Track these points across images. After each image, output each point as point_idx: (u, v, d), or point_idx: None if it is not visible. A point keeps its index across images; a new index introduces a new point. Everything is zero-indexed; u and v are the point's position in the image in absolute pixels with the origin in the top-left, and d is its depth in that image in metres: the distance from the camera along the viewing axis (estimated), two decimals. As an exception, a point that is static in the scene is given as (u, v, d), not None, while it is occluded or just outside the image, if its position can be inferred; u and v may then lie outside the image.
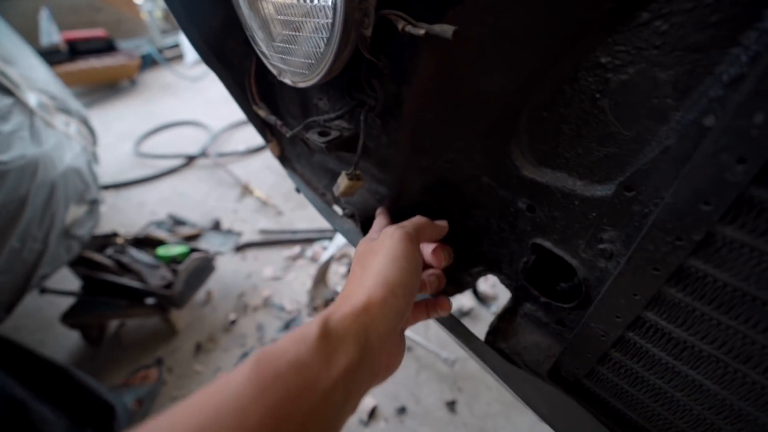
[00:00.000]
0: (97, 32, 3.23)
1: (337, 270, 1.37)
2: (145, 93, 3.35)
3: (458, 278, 0.49)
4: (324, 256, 1.16)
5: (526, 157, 0.34)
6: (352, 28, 0.27)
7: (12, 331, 1.29)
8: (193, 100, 3.07)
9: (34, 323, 1.33)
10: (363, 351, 0.26)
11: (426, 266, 0.40)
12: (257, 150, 2.19)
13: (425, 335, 1.18)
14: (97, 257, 1.19)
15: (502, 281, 0.43)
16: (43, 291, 1.20)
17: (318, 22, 0.29)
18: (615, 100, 0.26)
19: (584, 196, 0.30)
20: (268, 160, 2.12)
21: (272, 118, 0.44)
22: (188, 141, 2.40)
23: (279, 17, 0.32)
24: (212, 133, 2.38)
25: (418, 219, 0.37)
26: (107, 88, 3.40)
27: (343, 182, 0.37)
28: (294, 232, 1.53)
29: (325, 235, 1.49)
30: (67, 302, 1.18)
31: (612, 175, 0.28)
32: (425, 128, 0.34)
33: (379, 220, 0.42)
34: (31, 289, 0.99)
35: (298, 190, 0.56)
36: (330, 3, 0.26)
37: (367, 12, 0.27)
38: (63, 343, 1.24)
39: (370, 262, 0.32)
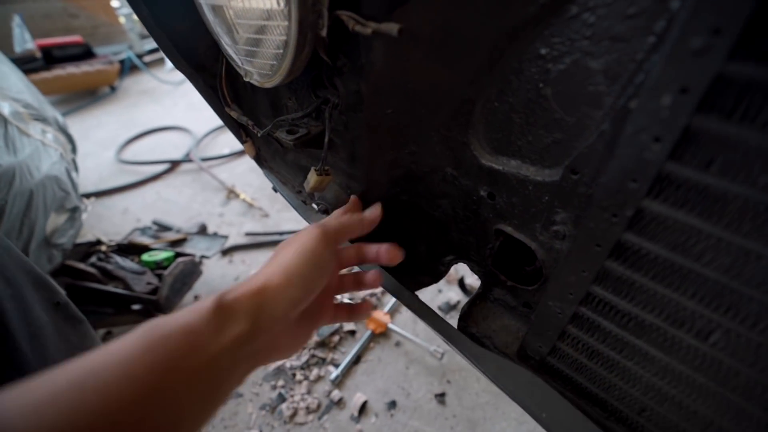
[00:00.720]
0: (73, 38, 3.17)
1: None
2: (125, 99, 3.30)
3: (432, 268, 0.51)
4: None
5: (483, 146, 0.35)
6: (308, 29, 0.28)
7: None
8: (176, 105, 3.04)
9: (18, 336, 1.31)
10: (253, 327, 0.28)
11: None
12: (242, 153, 2.18)
13: (413, 330, 1.19)
14: (81, 266, 1.18)
15: (472, 268, 0.45)
16: (26, 303, 1.18)
17: (275, 25, 0.30)
18: (556, 88, 0.28)
19: (537, 181, 0.32)
20: (253, 163, 2.11)
21: (244, 119, 0.45)
22: (171, 146, 2.38)
23: (240, 21, 0.33)
24: (196, 137, 2.36)
25: (346, 218, 0.39)
26: (87, 95, 3.34)
27: (312, 178, 0.38)
28: (281, 233, 1.54)
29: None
30: (50, 313, 1.17)
31: (559, 160, 0.30)
32: (386, 122, 0.35)
33: (340, 209, 0.43)
34: (12, 301, 0.98)
35: (275, 189, 0.57)
36: (284, 6, 0.28)
37: (320, 14, 0.28)
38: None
39: (282, 252, 0.34)
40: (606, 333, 0.30)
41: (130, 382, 0.22)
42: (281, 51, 0.31)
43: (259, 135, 0.44)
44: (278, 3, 0.29)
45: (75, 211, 1.08)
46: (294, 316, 0.33)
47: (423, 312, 0.43)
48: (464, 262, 0.46)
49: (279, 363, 1.13)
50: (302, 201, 0.53)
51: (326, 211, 0.48)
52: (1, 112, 0.92)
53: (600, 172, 0.26)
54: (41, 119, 1.08)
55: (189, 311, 0.26)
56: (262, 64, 0.34)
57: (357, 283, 0.43)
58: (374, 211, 0.41)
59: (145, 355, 0.23)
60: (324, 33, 0.29)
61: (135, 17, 3.72)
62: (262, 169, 0.57)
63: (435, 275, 0.51)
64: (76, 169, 1.21)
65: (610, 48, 0.24)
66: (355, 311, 0.43)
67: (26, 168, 0.90)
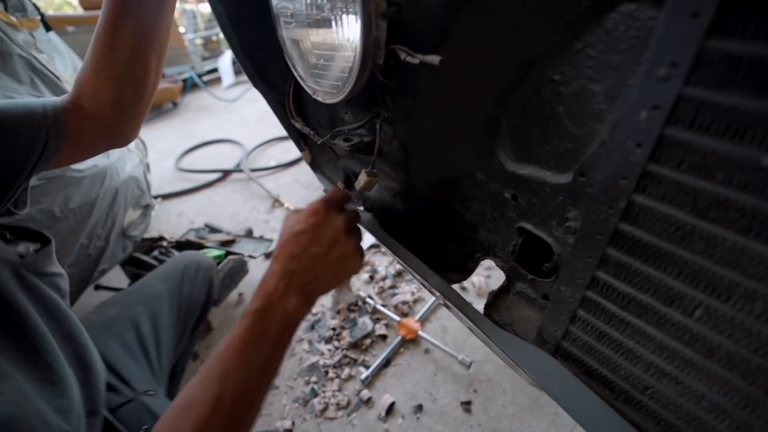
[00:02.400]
0: (147, 61, 3.56)
1: (360, 276, 1.45)
2: (185, 114, 3.64)
3: (462, 265, 0.57)
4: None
5: (507, 154, 0.42)
6: (369, 58, 0.37)
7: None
8: (229, 119, 3.32)
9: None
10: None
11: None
12: (287, 165, 2.34)
13: (443, 339, 1.23)
14: (145, 258, 1.33)
15: (497, 264, 0.50)
16: (98, 287, 1.35)
17: (344, 55, 0.39)
18: (567, 107, 0.34)
19: (552, 184, 0.38)
20: (298, 175, 2.26)
21: (306, 129, 0.55)
22: (224, 157, 2.60)
23: (315, 51, 0.42)
24: (246, 149, 2.57)
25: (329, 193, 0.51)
26: (152, 109, 3.72)
27: (362, 179, 0.46)
28: (319, 239, 1.64)
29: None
30: (117, 298, 1.32)
31: (571, 165, 0.36)
32: (426, 133, 0.43)
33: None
34: (92, 283, 1.13)
35: (326, 191, 0.66)
36: (352, 41, 0.36)
37: (379, 46, 0.36)
38: (112, 336, 1.37)
39: (281, 243, 0.49)
40: (610, 314, 0.35)
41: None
42: (346, 75, 0.40)
43: (318, 142, 0.53)
44: (347, 38, 0.38)
45: (147, 208, 1.24)
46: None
47: (450, 294, 0.49)
48: (490, 259, 0.52)
49: (314, 360, 1.20)
50: (351, 203, 0.61)
51: (371, 209, 0.56)
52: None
53: (600, 173, 0.32)
54: (126, 129, 1.26)
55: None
56: (328, 84, 0.43)
57: None
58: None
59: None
60: (381, 61, 0.37)
61: (197, 41, 4.09)
62: (315, 173, 0.67)
63: (465, 271, 0.57)
64: (149, 171, 1.38)
65: (608, 74, 0.30)
66: None
67: (115, 169, 1.07)
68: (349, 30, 0.36)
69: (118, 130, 0.58)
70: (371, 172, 0.46)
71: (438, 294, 0.52)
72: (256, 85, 0.58)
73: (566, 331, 0.40)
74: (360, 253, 0.49)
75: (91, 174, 0.95)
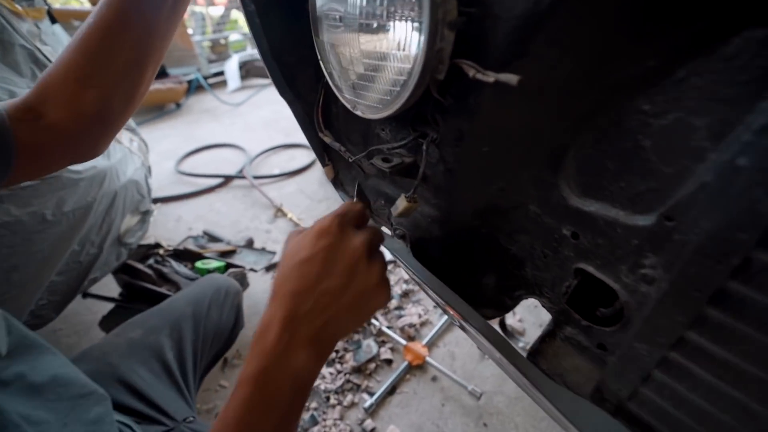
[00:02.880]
0: (152, 61, 3.53)
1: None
2: (188, 116, 3.60)
3: (498, 301, 0.52)
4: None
5: (572, 188, 0.37)
6: (428, 72, 0.33)
7: (48, 333, 1.36)
8: (233, 124, 3.28)
9: (71, 327, 1.39)
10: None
11: None
12: (292, 174, 2.30)
13: (451, 366, 1.17)
14: (139, 266, 1.26)
15: (544, 305, 0.46)
16: (86, 295, 1.28)
17: (398, 66, 0.35)
18: (656, 141, 0.30)
19: (626, 225, 0.33)
20: (302, 184, 2.22)
21: (337, 145, 0.50)
22: (226, 162, 2.55)
23: (363, 60, 0.38)
24: (249, 155, 2.52)
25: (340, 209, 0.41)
26: (155, 110, 3.67)
27: (401, 204, 0.42)
28: (322, 253, 1.58)
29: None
30: (104, 309, 1.25)
31: (653, 207, 0.32)
32: (479, 159, 0.38)
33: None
34: (81, 292, 1.06)
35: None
36: (413, 53, 0.32)
37: (442, 59, 0.32)
38: (99, 347, 1.29)
39: (282, 273, 0.38)
40: (699, 381, 0.30)
41: None
42: (397, 89, 0.35)
43: (350, 160, 0.48)
44: (404, 48, 0.33)
45: (146, 214, 1.19)
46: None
47: (491, 335, 0.44)
48: (535, 298, 0.47)
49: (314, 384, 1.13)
50: (375, 224, 0.56)
51: (403, 236, 0.51)
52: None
53: (699, 220, 0.28)
54: (130, 129, 1.21)
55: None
56: (374, 97, 0.39)
57: None
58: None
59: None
60: (441, 76, 0.33)
61: (205, 44, 4.08)
62: (337, 191, 0.62)
63: (501, 308, 0.52)
64: (151, 174, 1.33)
65: (716, 108, 0.26)
66: None
67: (115, 172, 1.01)
68: (408, 39, 0.32)
69: (89, 144, 0.50)
70: (412, 198, 0.42)
71: (474, 333, 0.47)
72: (282, 92, 0.53)
73: (635, 391, 0.35)
74: (386, 283, 0.39)
75: (89, 176, 0.89)
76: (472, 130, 0.36)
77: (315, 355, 0.35)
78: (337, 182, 0.63)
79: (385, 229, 0.56)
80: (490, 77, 0.29)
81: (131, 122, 1.28)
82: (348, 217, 0.39)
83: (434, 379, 1.14)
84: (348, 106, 0.44)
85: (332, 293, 0.35)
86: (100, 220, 0.99)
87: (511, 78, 0.29)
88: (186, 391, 0.73)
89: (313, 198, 2.07)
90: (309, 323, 0.34)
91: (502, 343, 0.44)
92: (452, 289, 0.48)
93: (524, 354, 0.45)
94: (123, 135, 1.13)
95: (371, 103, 0.40)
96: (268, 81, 4.64)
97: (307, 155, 2.56)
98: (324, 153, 0.60)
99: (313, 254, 0.35)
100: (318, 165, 2.34)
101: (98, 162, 0.95)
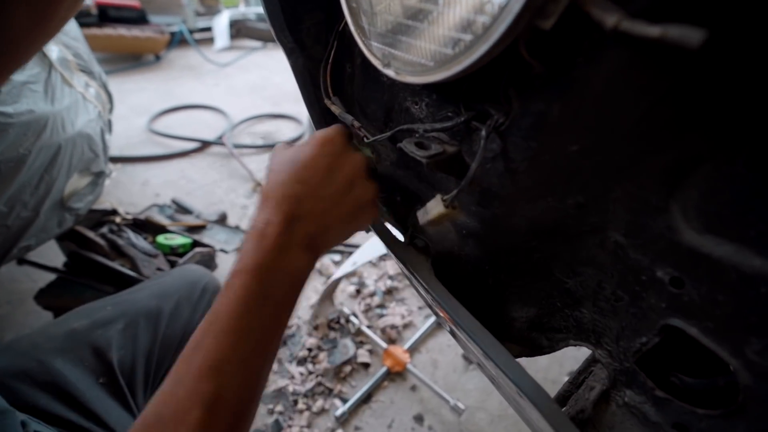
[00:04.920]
0: (130, 2, 3.20)
1: (345, 288, 1.28)
2: (168, 70, 3.30)
3: (530, 339, 0.41)
4: (336, 273, 1.08)
5: (689, 218, 0.26)
6: (527, 15, 0.20)
7: (-22, 299, 1.18)
8: (217, 85, 3.02)
9: (4, 295, 1.21)
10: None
11: None
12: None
13: (433, 375, 1.08)
14: (90, 234, 1.09)
15: (599, 357, 0.35)
16: (21, 262, 1.10)
17: (472, 3, 0.22)
18: None
19: (781, 285, 0.22)
20: (285, 158, 2.04)
21: (348, 118, 0.37)
22: (205, 126, 2.33)
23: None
24: (231, 121, 2.31)
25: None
26: (131, 58, 3.35)
27: (435, 209, 0.30)
28: (303, 238, 1.45)
29: (336, 248, 1.41)
30: (46, 278, 1.07)
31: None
32: (563, 161, 0.27)
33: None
34: (9, 260, 0.89)
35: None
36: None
37: (556, -3, 0.20)
38: (31, 323, 1.12)
39: (275, 179, 0.37)
40: None
41: None
42: (468, 37, 0.23)
43: (367, 141, 0.35)
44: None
45: (99, 176, 1.01)
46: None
47: (540, 400, 0.33)
48: (586, 346, 0.36)
49: (281, 384, 1.02)
50: (383, 222, 0.44)
51: (426, 249, 0.39)
52: (47, 56, 0.85)
53: None
54: (87, 72, 1.01)
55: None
56: (422, 50, 0.26)
57: None
58: None
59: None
60: (549, 24, 0.20)
61: (193, -6, 3.74)
62: None
63: (531, 347, 0.41)
64: (110, 131, 1.14)
65: None
66: None
67: (60, 120, 0.83)
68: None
69: None
70: (452, 203, 0.29)
71: (497, 375, 0.36)
72: (280, 35, 0.39)
73: None
74: (375, 204, 0.40)
75: (22, 121, 0.71)
76: (564, 116, 0.24)
77: (310, 258, 0.36)
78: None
79: (393, 231, 0.44)
80: (654, 30, 0.17)
81: (93, 65, 1.08)
82: (347, 135, 0.38)
83: (414, 388, 1.04)
84: (375, 62, 0.30)
85: (332, 200, 0.36)
86: (36, 178, 0.81)
87: (691, 35, 0.16)
88: (132, 402, 0.59)
89: (298, 175, 1.91)
90: (307, 226, 0.35)
91: (545, 402, 0.33)
92: (471, 313, 0.36)
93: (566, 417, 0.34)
94: (77, 78, 0.94)
95: (415, 59, 0.27)
96: (260, 44, 4.33)
97: (294, 128, 2.37)
98: (325, 125, 0.46)
99: (315, 161, 0.35)
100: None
101: (36, 105, 0.77)
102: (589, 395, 0.35)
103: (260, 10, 4.61)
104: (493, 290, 0.40)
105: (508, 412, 1.01)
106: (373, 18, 0.29)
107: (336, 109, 0.38)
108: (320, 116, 0.45)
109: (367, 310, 1.23)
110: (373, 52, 0.30)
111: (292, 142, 0.40)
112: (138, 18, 3.20)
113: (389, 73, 0.29)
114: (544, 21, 0.20)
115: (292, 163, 0.36)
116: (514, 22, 0.20)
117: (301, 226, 0.34)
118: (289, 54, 0.40)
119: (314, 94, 0.43)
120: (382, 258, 1.39)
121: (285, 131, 2.35)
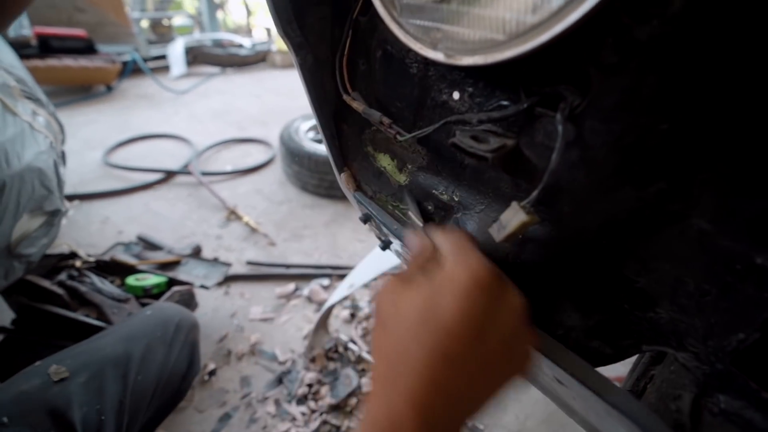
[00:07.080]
0: (76, 32, 3.03)
1: (339, 314, 1.20)
2: (121, 100, 3.12)
3: (585, 347, 0.37)
4: (331, 299, 1.00)
5: (795, 194, 0.23)
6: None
7: None
8: (177, 113, 2.88)
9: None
10: None
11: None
12: (246, 171, 2.02)
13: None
14: (44, 283, 0.96)
15: (683, 360, 0.31)
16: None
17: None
18: None
19: None
20: (259, 183, 1.95)
21: (376, 114, 0.32)
22: (167, 155, 2.20)
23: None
24: (196, 149, 2.19)
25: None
26: (80, 90, 3.15)
27: (515, 219, 0.25)
28: (288, 266, 1.36)
29: (324, 272, 1.33)
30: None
31: None
32: (651, 142, 0.23)
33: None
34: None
35: (365, 221, 0.43)
36: None
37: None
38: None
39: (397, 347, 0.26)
40: None
41: None
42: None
43: (400, 138, 0.31)
44: None
45: (55, 215, 0.89)
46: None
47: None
48: (664, 350, 0.32)
49: (282, 428, 0.91)
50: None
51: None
52: (-15, 81, 0.75)
53: None
54: (34, 99, 0.90)
55: None
56: (487, 20, 0.22)
57: None
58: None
59: None
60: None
61: (144, 22, 3.64)
62: (360, 206, 0.43)
63: (593, 359, 0.37)
64: (65, 163, 1.02)
65: None
66: None
67: (3, 153, 0.72)
68: None
69: None
70: (531, 208, 0.25)
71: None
72: (287, 28, 0.35)
73: None
74: (531, 357, 0.30)
75: (-43, 158, 0.60)
76: (659, 90, 0.21)
77: None
78: (362, 189, 0.44)
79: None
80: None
81: (38, 93, 0.97)
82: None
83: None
84: (415, 45, 0.26)
85: (484, 376, 0.26)
86: (-24, 222, 0.69)
87: None
88: None
89: (272, 199, 1.82)
90: (453, 422, 0.25)
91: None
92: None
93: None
94: (22, 105, 0.83)
95: (477, 33, 0.23)
96: (218, 69, 4.21)
97: (264, 151, 2.28)
98: (340, 153, 0.42)
99: (465, 322, 0.25)
100: (277, 163, 2.09)
101: (-25, 137, 0.66)
102: (677, 406, 0.31)
103: (216, 36, 4.53)
104: (549, 300, 0.35)
105: (526, 425, 0.96)
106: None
107: (358, 105, 0.33)
108: (329, 119, 0.40)
109: (365, 334, 1.16)
110: (410, 32, 0.26)
111: (403, 273, 0.27)
112: (85, 48, 3.03)
113: (437, 56, 0.25)
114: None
115: (426, 324, 0.25)
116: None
117: (444, 416, 0.24)
118: (298, 49, 0.35)
119: (323, 97, 0.38)
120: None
121: (255, 155, 2.26)
